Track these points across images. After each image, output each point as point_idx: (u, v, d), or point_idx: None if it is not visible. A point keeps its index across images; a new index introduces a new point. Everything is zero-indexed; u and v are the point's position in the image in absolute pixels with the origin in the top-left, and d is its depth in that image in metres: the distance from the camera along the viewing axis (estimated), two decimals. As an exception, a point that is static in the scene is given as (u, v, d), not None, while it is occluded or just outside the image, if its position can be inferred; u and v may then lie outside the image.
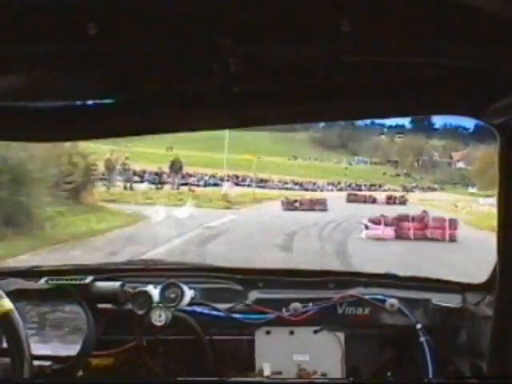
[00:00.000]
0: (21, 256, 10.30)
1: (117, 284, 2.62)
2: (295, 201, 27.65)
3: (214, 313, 2.65)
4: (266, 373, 2.61)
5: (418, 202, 40.56)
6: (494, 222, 1.93)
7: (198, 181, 41.04)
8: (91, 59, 1.48)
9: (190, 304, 2.64)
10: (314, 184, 55.03)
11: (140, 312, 2.56)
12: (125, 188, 26.97)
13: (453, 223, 17.37)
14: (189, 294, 2.64)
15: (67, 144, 16.05)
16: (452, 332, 2.58)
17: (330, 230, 18.24)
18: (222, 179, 40.58)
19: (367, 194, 41.93)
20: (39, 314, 2.50)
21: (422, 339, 2.59)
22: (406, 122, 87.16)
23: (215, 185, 36.51)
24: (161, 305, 2.58)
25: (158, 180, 32.02)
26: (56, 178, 15.42)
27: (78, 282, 2.58)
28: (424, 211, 17.90)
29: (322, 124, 72.48)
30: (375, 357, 2.78)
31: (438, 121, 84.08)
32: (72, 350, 2.39)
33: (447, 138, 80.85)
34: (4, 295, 1.97)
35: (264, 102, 1.69)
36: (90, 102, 1.71)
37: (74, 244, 12.72)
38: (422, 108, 1.83)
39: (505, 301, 1.92)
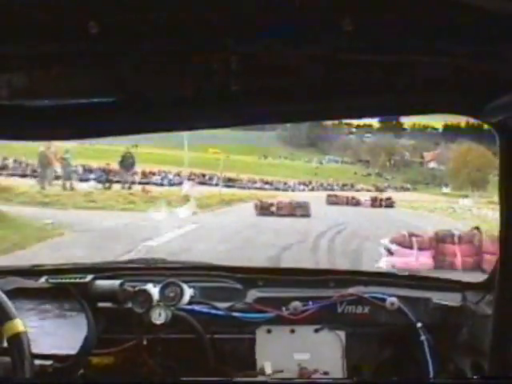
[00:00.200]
0: None
1: (116, 283, 2.55)
2: (271, 204, 22.49)
3: (214, 311, 2.60)
4: (268, 371, 2.57)
5: (406, 205, 35.60)
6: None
7: (161, 179, 39.20)
8: (92, 58, 1.47)
9: (189, 303, 2.57)
10: (285, 184, 53.70)
11: (140, 311, 2.50)
12: (64, 188, 22.52)
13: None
14: (188, 292, 2.57)
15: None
16: (452, 331, 2.54)
17: (326, 250, 12.71)
18: (189, 178, 38.49)
19: (349, 195, 36.72)
20: (39, 312, 2.44)
21: (423, 338, 2.53)
22: (374, 121, 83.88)
23: (179, 184, 32.20)
24: (160, 303, 2.51)
25: (105, 178, 25.95)
26: None
27: (77, 280, 2.53)
28: (476, 228, 11.61)
29: (290, 122, 67.98)
30: (376, 355, 2.74)
31: (407, 121, 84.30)
32: (72, 348, 2.31)
33: (417, 137, 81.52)
34: (16, 314, 1.87)
35: (264, 101, 1.65)
36: (89, 101, 1.65)
37: None
38: (420, 106, 1.74)
39: (505, 299, 1.89)
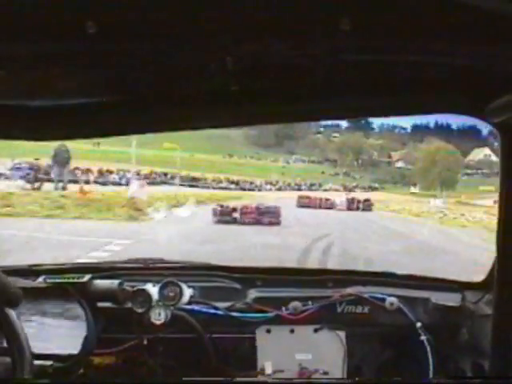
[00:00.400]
0: None
1: (115, 282, 2.54)
2: (234, 209, 18.05)
3: (214, 311, 2.59)
4: (268, 371, 2.57)
5: (383, 207, 32.04)
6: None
7: (120, 179, 35.98)
8: (90, 58, 1.46)
9: (189, 302, 2.58)
10: (252, 183, 52.17)
11: (139, 310, 2.50)
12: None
13: None
14: (188, 292, 2.58)
15: None
16: (452, 330, 2.56)
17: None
18: (146, 177, 36.38)
19: (321, 196, 32.43)
20: (38, 312, 2.42)
21: (422, 338, 2.53)
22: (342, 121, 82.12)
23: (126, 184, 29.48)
24: (160, 303, 2.52)
25: (33, 177, 21.43)
26: None
27: (76, 280, 2.51)
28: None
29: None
30: (375, 355, 2.75)
31: (376, 121, 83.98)
32: (73, 348, 2.32)
33: (385, 137, 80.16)
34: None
35: (262, 101, 1.66)
36: (88, 101, 1.68)
37: None
38: (422, 107, 1.78)
39: (504, 299, 1.89)
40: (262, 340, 2.64)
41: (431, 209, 33.10)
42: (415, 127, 79.88)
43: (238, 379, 2.52)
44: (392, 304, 2.60)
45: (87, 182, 28.89)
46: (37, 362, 1.99)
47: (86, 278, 2.53)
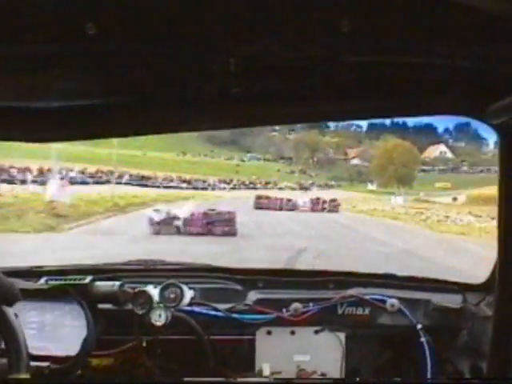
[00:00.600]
0: None
1: (116, 284, 2.52)
2: (174, 217, 14.33)
3: (214, 313, 2.59)
4: (266, 373, 2.57)
5: (351, 208, 29.18)
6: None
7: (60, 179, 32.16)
8: (90, 59, 1.46)
9: (189, 304, 2.57)
10: (205, 182, 51.21)
11: (140, 312, 2.49)
12: None
13: None
14: (188, 294, 2.58)
15: None
16: (452, 332, 2.56)
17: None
18: (97, 176, 36.85)
19: (283, 196, 29.22)
20: (39, 313, 2.43)
21: (423, 339, 2.54)
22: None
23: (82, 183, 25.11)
24: (161, 305, 2.51)
25: None
26: None
27: (77, 282, 2.49)
28: None
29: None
30: (376, 357, 2.76)
31: None
32: (72, 349, 2.32)
33: (341, 135, 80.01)
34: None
35: (264, 103, 1.66)
36: (88, 102, 1.66)
37: None
38: (422, 108, 1.76)
39: (505, 301, 1.86)
40: (261, 342, 2.64)
41: (395, 208, 30.69)
42: (371, 125, 79.75)
43: (235, 380, 2.55)
44: (393, 306, 2.60)
45: (23, 182, 27.10)
46: (34, 363, 1.99)
47: (88, 279, 2.49)
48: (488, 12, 1.10)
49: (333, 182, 63.62)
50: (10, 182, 28.46)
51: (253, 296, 2.65)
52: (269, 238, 14.37)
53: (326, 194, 36.56)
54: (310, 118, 1.85)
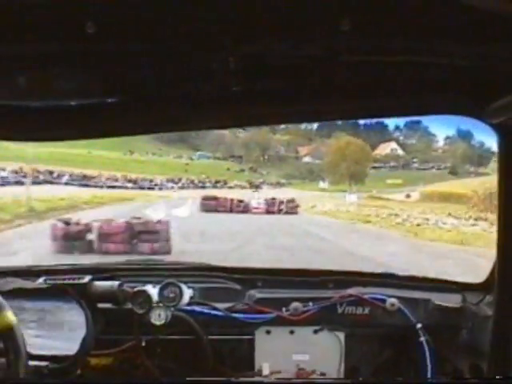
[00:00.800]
0: None
1: (115, 283, 2.53)
2: (87, 229, 10.68)
3: (214, 312, 2.59)
4: (265, 372, 2.58)
5: (309, 209, 26.53)
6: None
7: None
8: (90, 58, 1.46)
9: (189, 303, 2.57)
10: (151, 181, 49.37)
11: (139, 311, 2.49)
12: None
13: None
14: (188, 293, 2.57)
15: None
16: (452, 331, 2.55)
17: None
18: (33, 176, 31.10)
19: (233, 196, 26.31)
20: (37, 313, 2.39)
21: (422, 339, 2.52)
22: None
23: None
24: (160, 304, 2.51)
25: None
26: None
27: (76, 281, 2.49)
28: None
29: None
30: (375, 356, 2.77)
31: None
32: (71, 349, 2.30)
33: (291, 133, 78.08)
34: (7, 306, 1.89)
35: (263, 101, 1.66)
36: (87, 101, 1.66)
37: None
38: (421, 108, 1.77)
39: (504, 300, 1.89)
40: (261, 341, 2.64)
41: (349, 206, 28.46)
42: (322, 123, 78.32)
43: (235, 380, 2.55)
44: (392, 305, 2.60)
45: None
46: (33, 363, 2.00)
47: (87, 279, 2.50)
48: (487, 11, 1.09)
49: (284, 181, 62.89)
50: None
51: (252, 295, 2.63)
52: (214, 256, 10.55)
53: (278, 193, 34.31)
54: (309, 117, 1.85)
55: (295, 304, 2.57)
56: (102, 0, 1.20)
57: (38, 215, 16.50)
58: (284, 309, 2.58)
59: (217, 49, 1.37)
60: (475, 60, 1.37)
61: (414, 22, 1.23)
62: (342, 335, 2.62)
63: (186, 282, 2.57)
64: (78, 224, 12.36)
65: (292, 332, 2.62)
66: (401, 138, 77.07)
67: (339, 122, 71.34)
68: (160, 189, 44.02)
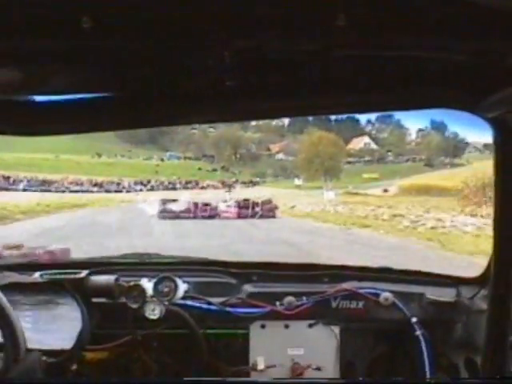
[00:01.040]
0: None
1: (112, 278, 2.51)
2: None
3: (208, 306, 2.59)
4: (260, 366, 2.58)
5: (287, 210, 23.40)
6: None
7: None
8: (85, 53, 1.46)
9: (183, 298, 2.56)
10: (119, 184, 47.46)
11: (134, 306, 2.48)
12: None
13: None
14: (182, 287, 2.57)
15: None
16: (447, 325, 2.54)
17: None
18: None
19: (196, 198, 22.84)
20: (33, 307, 2.39)
21: (417, 333, 2.52)
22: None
23: None
24: (155, 298, 2.51)
25: None
26: None
27: (72, 275, 2.49)
28: None
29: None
30: (370, 350, 2.77)
31: None
32: (66, 343, 2.31)
33: (262, 130, 76.39)
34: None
35: (259, 96, 1.64)
36: (84, 96, 1.65)
37: None
38: (417, 102, 1.74)
39: (499, 294, 1.87)
40: (255, 335, 2.64)
41: (336, 205, 25.80)
42: (293, 119, 76.77)
43: (232, 379, 2.54)
44: (387, 299, 2.60)
45: None
46: (31, 357, 2.01)
47: (83, 273, 2.49)
48: (483, 6, 1.10)
49: (258, 179, 61.81)
50: None
51: (247, 289, 2.63)
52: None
53: (252, 192, 31.29)
54: (305, 112, 1.82)
55: (290, 298, 2.58)
56: None
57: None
58: (279, 303, 2.58)
59: (212, 44, 1.36)
60: (471, 54, 1.35)
61: (410, 17, 1.22)
62: (336, 329, 2.64)
63: (181, 277, 2.58)
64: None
65: (287, 326, 2.62)
66: (373, 132, 76.50)
67: (310, 118, 71.21)
68: (128, 191, 42.70)
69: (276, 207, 22.47)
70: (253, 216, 20.80)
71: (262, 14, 1.23)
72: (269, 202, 22.98)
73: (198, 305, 2.53)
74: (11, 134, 1.75)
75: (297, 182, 55.32)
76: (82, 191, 40.36)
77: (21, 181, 39.15)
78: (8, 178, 39.09)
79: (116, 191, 42.69)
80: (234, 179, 58.74)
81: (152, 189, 46.68)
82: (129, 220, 13.74)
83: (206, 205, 21.90)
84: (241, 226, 17.90)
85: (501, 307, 1.84)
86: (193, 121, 1.97)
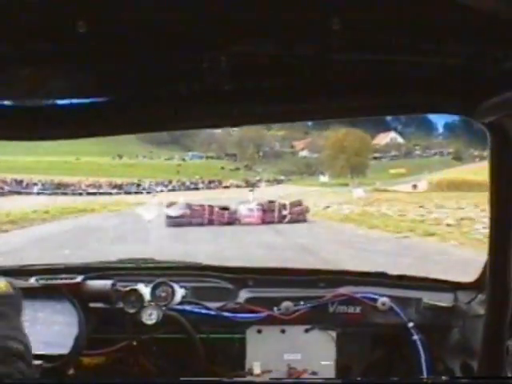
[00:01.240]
0: None
1: (108, 283, 2.51)
2: None
3: (205, 311, 2.58)
4: (256, 371, 2.57)
5: (323, 213, 20.24)
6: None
7: None
8: (80, 58, 1.45)
9: (180, 303, 2.56)
10: (139, 186, 46.31)
11: (131, 311, 2.47)
12: None
13: None
14: (179, 292, 2.56)
15: None
16: (444, 330, 2.51)
17: None
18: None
19: (215, 203, 19.30)
20: (30, 312, 2.36)
21: (414, 338, 2.50)
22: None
23: None
24: (152, 303, 2.51)
25: None
26: None
27: (69, 280, 2.50)
28: None
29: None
30: (367, 355, 2.75)
31: None
32: (63, 348, 2.32)
33: (286, 128, 74.01)
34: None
35: (255, 100, 1.62)
36: (79, 101, 1.63)
37: None
38: (412, 106, 1.74)
39: (496, 299, 1.86)
40: (252, 340, 2.63)
41: (359, 202, 23.03)
42: None
43: (227, 380, 2.54)
44: (384, 304, 2.56)
45: None
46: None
47: (79, 278, 2.49)
48: (478, 11, 1.10)
49: (282, 177, 60.78)
50: None
51: (243, 294, 2.63)
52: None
53: (277, 190, 28.69)
54: (302, 117, 1.78)
55: (286, 303, 2.57)
56: None
57: None
58: (275, 308, 2.59)
59: (208, 48, 1.37)
60: (467, 59, 1.36)
61: (405, 21, 1.23)
62: (333, 334, 2.64)
63: (178, 282, 2.59)
64: None
65: (283, 331, 2.62)
66: (399, 126, 75.60)
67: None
68: (148, 193, 41.58)
69: (307, 210, 19.16)
70: (280, 221, 17.79)
71: (258, 18, 1.23)
72: (298, 203, 19.49)
73: (195, 310, 2.53)
74: (4, 139, 1.70)
75: (322, 179, 53.60)
76: (100, 193, 39.80)
77: (34, 184, 38.91)
78: (21, 181, 38.77)
79: (136, 192, 41.89)
80: (258, 178, 57.96)
81: (173, 189, 46.15)
82: (122, 231, 11.31)
83: (224, 209, 18.80)
84: (264, 234, 14.69)
85: (497, 312, 1.85)
86: (189, 126, 1.86)
